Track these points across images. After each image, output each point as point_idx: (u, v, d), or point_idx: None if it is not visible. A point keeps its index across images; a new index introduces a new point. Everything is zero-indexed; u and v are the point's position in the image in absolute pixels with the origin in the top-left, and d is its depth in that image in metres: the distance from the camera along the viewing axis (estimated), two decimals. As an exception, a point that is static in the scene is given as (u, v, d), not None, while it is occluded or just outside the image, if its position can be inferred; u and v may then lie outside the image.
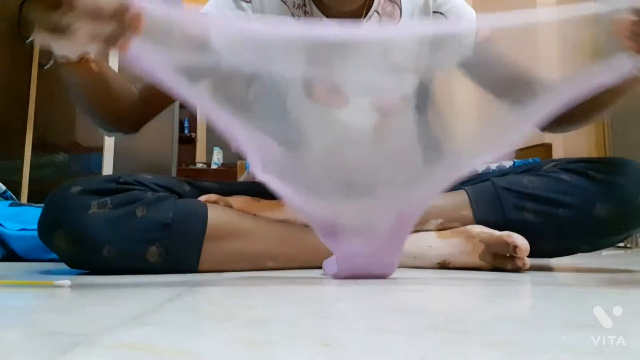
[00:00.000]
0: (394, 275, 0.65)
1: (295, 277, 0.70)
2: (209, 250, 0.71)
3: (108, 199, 0.68)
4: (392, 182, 0.63)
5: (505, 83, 0.79)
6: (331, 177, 0.63)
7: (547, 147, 3.20)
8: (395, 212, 0.62)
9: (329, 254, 0.64)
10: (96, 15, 0.43)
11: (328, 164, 0.64)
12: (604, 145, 2.80)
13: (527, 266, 0.72)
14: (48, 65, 1.66)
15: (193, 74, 0.54)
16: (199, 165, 4.80)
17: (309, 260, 0.75)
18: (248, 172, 1.87)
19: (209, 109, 0.54)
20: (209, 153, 4.85)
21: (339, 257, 0.63)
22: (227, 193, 0.78)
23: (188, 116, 4.80)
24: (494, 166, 3.43)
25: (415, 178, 0.63)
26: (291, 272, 0.76)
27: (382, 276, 0.63)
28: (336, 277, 0.63)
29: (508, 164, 3.20)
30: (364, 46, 0.73)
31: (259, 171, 0.58)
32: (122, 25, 0.45)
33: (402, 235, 0.63)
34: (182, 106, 3.81)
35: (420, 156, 0.68)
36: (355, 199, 0.62)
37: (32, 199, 1.56)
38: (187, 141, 4.73)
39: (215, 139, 4.83)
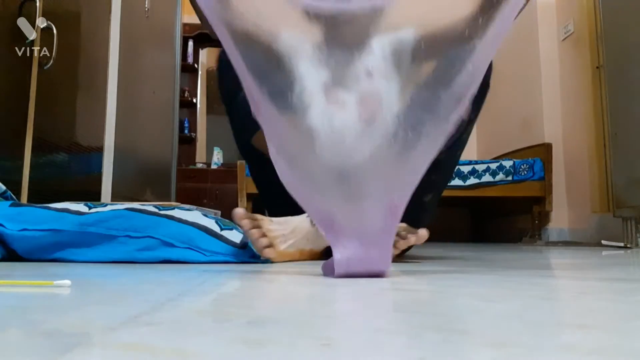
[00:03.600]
0: (394, 275, 0.65)
1: (295, 277, 0.70)
2: None
3: None
4: (380, 174, 0.67)
5: None
6: (331, 170, 0.67)
7: (547, 147, 3.20)
8: (386, 205, 0.65)
9: None
10: None
11: (329, 155, 0.69)
12: (604, 145, 2.80)
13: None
14: (48, 65, 1.66)
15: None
16: (199, 165, 4.80)
17: None
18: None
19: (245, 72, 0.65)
20: (209, 153, 4.85)
21: (335, 256, 0.63)
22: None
23: (188, 116, 4.81)
24: (494, 166, 3.42)
25: (397, 164, 0.68)
26: (291, 272, 0.76)
27: (379, 274, 0.63)
28: (336, 276, 0.63)
29: (508, 163, 3.21)
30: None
31: (273, 152, 0.66)
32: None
33: (393, 226, 0.66)
34: (182, 106, 3.78)
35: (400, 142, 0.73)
36: (351, 198, 0.66)
37: (32, 199, 1.55)
38: (187, 141, 4.73)
39: (215, 139, 4.84)
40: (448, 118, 0.67)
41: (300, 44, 0.72)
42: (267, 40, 0.74)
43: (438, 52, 0.74)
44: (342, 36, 0.74)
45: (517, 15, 0.70)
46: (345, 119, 0.71)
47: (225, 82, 1.19)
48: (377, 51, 0.78)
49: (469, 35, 0.69)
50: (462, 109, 0.67)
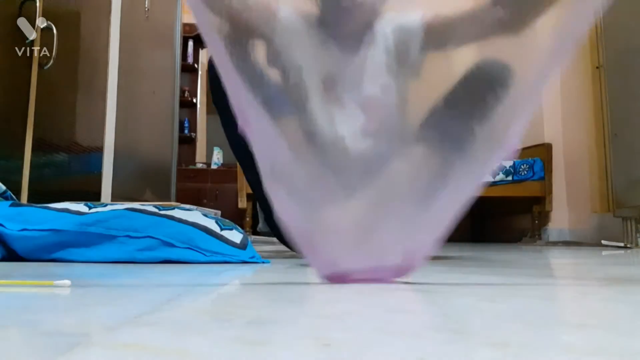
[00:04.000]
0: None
1: (295, 278, 0.70)
2: None
3: None
4: (397, 220, 0.56)
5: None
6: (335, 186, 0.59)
7: (547, 147, 3.20)
8: (401, 251, 0.55)
9: None
10: None
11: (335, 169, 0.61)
12: (604, 145, 2.79)
13: None
14: (48, 65, 1.66)
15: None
16: (199, 165, 4.80)
17: None
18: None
19: (232, 79, 0.58)
20: (209, 153, 4.85)
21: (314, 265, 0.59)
22: None
23: (188, 116, 4.81)
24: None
25: (417, 212, 0.55)
26: (291, 273, 0.76)
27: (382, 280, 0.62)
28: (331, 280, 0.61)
29: (508, 163, 3.21)
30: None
31: (268, 178, 0.54)
32: None
33: (408, 271, 0.56)
34: (182, 106, 3.78)
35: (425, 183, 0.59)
36: (362, 246, 0.56)
37: (32, 199, 1.55)
38: (187, 141, 4.73)
39: (215, 139, 4.84)
40: (483, 161, 0.52)
41: (297, 30, 0.67)
42: (264, 30, 0.69)
43: (450, 41, 0.63)
44: (342, 20, 0.68)
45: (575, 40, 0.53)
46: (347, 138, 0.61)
47: (217, 80, 1.13)
48: (380, 42, 0.72)
49: (503, 27, 0.56)
50: (503, 152, 0.52)
